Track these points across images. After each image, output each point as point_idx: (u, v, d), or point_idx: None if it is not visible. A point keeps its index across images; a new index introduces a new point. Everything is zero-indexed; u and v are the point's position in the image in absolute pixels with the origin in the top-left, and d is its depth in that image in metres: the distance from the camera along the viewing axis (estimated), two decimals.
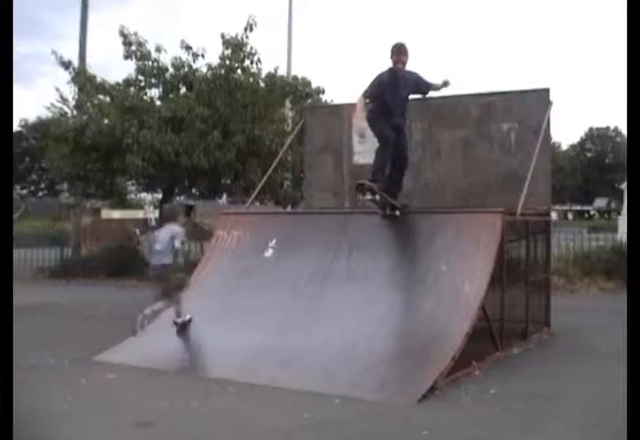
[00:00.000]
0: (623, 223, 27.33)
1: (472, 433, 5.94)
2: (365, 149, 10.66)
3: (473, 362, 8.00)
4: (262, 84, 18.64)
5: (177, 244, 9.18)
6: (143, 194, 26.97)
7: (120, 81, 18.89)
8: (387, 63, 8.96)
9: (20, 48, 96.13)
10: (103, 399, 7.09)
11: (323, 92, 20.10)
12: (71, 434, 5.97)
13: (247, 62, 18.36)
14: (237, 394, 7.16)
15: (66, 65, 19.07)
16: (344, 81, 72.50)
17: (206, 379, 7.44)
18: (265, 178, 12.60)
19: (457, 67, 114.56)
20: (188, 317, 9.08)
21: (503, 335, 8.80)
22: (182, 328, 9.07)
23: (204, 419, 6.38)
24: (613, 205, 68.11)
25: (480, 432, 5.96)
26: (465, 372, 7.71)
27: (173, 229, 9.37)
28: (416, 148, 10.82)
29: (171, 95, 18.47)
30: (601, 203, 77.27)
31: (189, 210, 35.46)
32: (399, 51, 8.82)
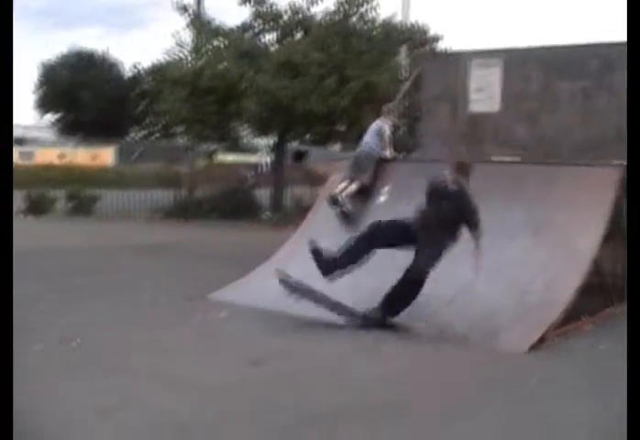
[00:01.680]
0: None
1: (579, 385, 5.99)
2: (481, 98, 10.60)
3: (583, 317, 7.98)
4: (378, 31, 18.54)
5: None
6: (257, 139, 27.33)
7: (236, 26, 19.12)
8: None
9: None
10: (216, 336, 7.39)
11: (441, 39, 19.87)
12: (181, 368, 6.25)
13: (363, 8, 18.28)
14: (348, 336, 7.36)
15: (183, 10, 19.39)
16: (463, 27, 71.09)
17: (319, 322, 7.63)
18: None
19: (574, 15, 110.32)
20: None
21: (616, 292, 8.70)
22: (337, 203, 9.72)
23: (317, 362, 6.56)
24: None
25: (588, 385, 6.01)
26: (575, 326, 7.71)
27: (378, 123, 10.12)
28: (534, 98, 10.67)
29: (286, 41, 18.59)
30: None
31: (302, 155, 35.77)
32: None
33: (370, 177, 9.86)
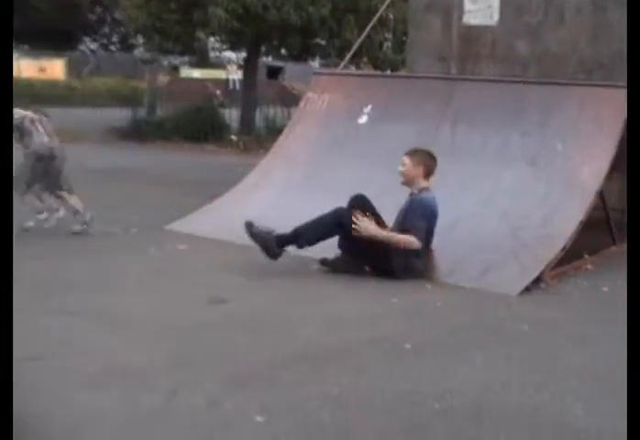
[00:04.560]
0: None
1: (577, 332, 5.89)
2: (478, 9, 10.32)
3: (585, 255, 7.90)
4: None
5: None
6: (227, 53, 26.93)
7: None
8: None
9: None
10: (172, 271, 7.29)
11: None
12: (129, 307, 6.15)
13: None
14: (316, 273, 7.35)
15: None
16: None
17: (285, 256, 7.46)
18: (362, 37, 12.35)
19: None
20: None
21: (622, 228, 8.60)
22: None
23: (281, 298, 6.52)
24: None
25: (587, 332, 5.91)
26: (575, 265, 7.62)
27: None
28: (537, 10, 10.39)
29: None
30: None
31: (276, 72, 35.39)
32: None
33: None
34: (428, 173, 7.41)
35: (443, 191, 7.51)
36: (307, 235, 7.31)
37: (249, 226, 7.28)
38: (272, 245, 7.23)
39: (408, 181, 7.46)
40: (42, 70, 39.83)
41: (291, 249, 7.36)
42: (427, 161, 7.42)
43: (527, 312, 6.36)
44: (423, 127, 9.05)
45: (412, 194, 7.46)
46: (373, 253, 7.21)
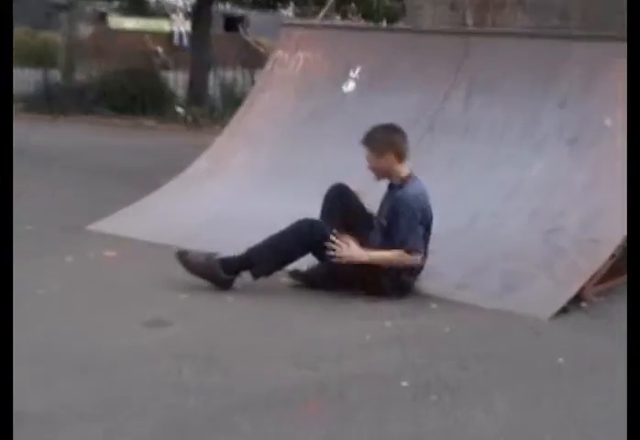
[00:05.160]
0: None
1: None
2: None
3: None
4: None
5: None
6: None
7: None
8: None
9: None
10: (96, 286, 7.28)
11: None
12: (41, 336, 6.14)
13: None
14: (285, 288, 7.41)
15: None
16: None
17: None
18: None
19: None
20: None
21: None
22: None
23: (239, 321, 6.57)
24: None
25: None
26: (624, 280, 7.68)
27: None
28: None
29: None
30: None
31: (236, 23, 35.34)
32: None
33: None
34: (402, 155, 7.40)
35: (453, 182, 7.56)
36: (262, 263, 7.25)
37: (183, 256, 7.24)
38: (218, 272, 7.20)
39: (383, 176, 7.50)
40: None
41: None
42: (393, 141, 7.41)
43: (563, 340, 6.40)
44: (427, 97, 9.14)
45: (392, 187, 7.49)
46: (358, 269, 7.19)
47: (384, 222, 7.39)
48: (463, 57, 9.34)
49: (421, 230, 7.22)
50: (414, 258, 7.13)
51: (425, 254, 7.32)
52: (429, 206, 7.32)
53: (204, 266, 7.19)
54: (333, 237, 7.08)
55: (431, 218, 7.34)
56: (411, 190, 7.31)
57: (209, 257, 7.21)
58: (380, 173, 7.46)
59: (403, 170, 7.41)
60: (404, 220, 7.16)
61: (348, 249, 7.08)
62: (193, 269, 7.22)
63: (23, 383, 5.10)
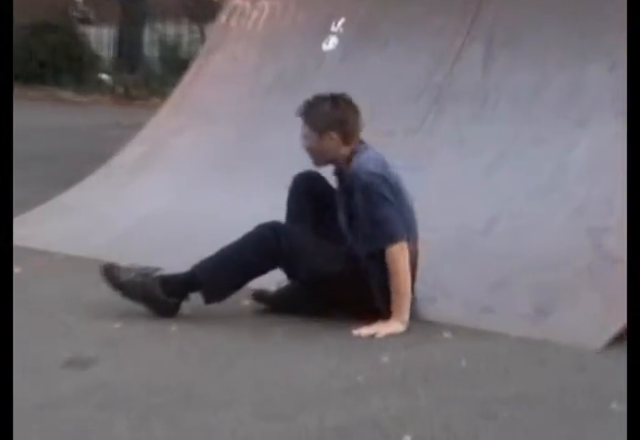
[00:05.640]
0: None
1: None
2: None
3: None
4: None
5: None
6: None
7: None
8: None
9: None
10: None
11: None
12: None
13: None
14: (247, 313, 7.38)
15: None
16: None
17: None
18: None
19: None
20: None
21: None
22: None
23: (185, 357, 6.47)
24: None
25: None
26: None
27: None
28: None
29: None
30: None
31: None
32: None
33: None
34: (350, 137, 7.23)
35: (464, 172, 7.43)
36: (214, 282, 7.12)
37: (110, 272, 7.06)
38: (158, 294, 7.03)
39: (323, 161, 7.36)
40: None
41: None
42: (342, 118, 7.24)
43: (616, 378, 6.13)
44: (432, 58, 9.05)
45: (338, 173, 7.35)
46: (345, 286, 7.07)
47: (347, 220, 7.27)
48: (478, 4, 9.19)
49: (391, 208, 7.01)
50: (403, 252, 6.93)
51: (410, 233, 7.10)
52: (391, 172, 7.16)
53: (140, 285, 7.02)
54: (357, 333, 6.92)
55: (398, 183, 7.16)
56: (360, 163, 7.11)
57: (145, 273, 7.05)
58: (320, 157, 7.31)
59: (348, 150, 7.23)
60: (372, 205, 6.99)
61: (380, 330, 6.91)
62: (124, 290, 7.04)
63: None
